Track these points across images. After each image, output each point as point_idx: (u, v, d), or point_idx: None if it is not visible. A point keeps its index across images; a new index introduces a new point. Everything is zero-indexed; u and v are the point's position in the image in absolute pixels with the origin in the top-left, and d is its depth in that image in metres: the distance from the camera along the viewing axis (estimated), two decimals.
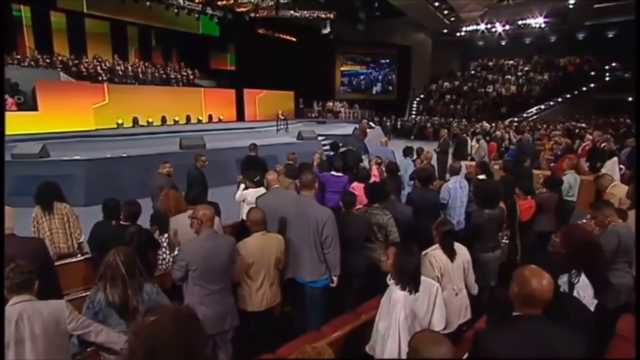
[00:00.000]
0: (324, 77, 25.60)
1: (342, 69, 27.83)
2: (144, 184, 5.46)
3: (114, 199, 3.41)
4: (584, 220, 3.26)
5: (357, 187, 4.48)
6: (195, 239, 2.67)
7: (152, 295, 2.18)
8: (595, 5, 19.18)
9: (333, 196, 4.89)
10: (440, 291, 2.36)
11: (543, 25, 22.70)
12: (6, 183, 4.49)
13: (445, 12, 21.16)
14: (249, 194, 4.25)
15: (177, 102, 17.08)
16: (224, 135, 13.25)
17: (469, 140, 10.97)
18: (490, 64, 26.73)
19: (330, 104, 23.07)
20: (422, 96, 26.65)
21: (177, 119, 16.98)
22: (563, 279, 2.21)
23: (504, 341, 1.53)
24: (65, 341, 1.96)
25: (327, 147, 9.43)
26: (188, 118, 17.50)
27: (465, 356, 1.98)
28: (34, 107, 12.11)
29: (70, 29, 16.80)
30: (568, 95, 21.61)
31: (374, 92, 28.00)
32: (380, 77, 28.11)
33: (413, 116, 24.39)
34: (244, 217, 4.05)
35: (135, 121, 15.45)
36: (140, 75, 17.10)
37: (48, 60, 14.49)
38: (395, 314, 2.09)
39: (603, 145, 8.34)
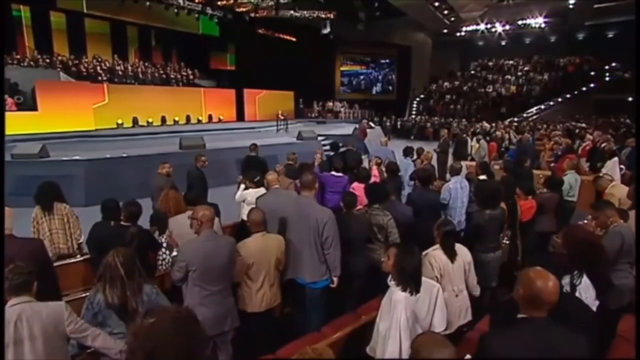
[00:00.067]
0: (324, 77, 25.60)
1: (342, 69, 27.82)
2: (144, 184, 5.45)
3: (113, 200, 3.39)
4: (585, 221, 3.25)
5: (358, 188, 4.47)
6: (195, 239, 2.66)
7: (151, 296, 2.17)
8: (595, 5, 19.18)
9: (333, 196, 4.88)
10: (441, 292, 2.35)
11: (543, 25, 22.70)
12: (6, 183, 4.48)
13: (445, 12, 21.15)
14: (249, 194, 4.25)
15: (177, 102, 17.07)
16: (224, 135, 13.25)
17: (469, 140, 10.96)
18: (490, 64, 26.73)
19: (330, 104, 23.06)
20: (422, 96, 26.65)
21: (177, 119, 16.97)
22: (565, 280, 2.20)
23: (509, 344, 1.52)
24: (64, 342, 1.95)
25: (327, 147, 9.42)
26: (188, 118, 17.49)
27: (467, 357, 1.97)
28: (33, 107, 12.09)
29: (70, 29, 16.79)
30: (568, 95, 21.61)
31: (374, 92, 27.99)
32: (380, 77, 28.11)
33: (413, 116, 24.38)
34: (244, 218, 4.04)
35: (135, 121, 15.44)
36: (140, 75, 17.10)
37: (48, 60, 14.49)
38: (396, 315, 2.08)
39: (603, 145, 8.34)
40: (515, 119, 20.30)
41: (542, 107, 21.71)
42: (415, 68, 26.56)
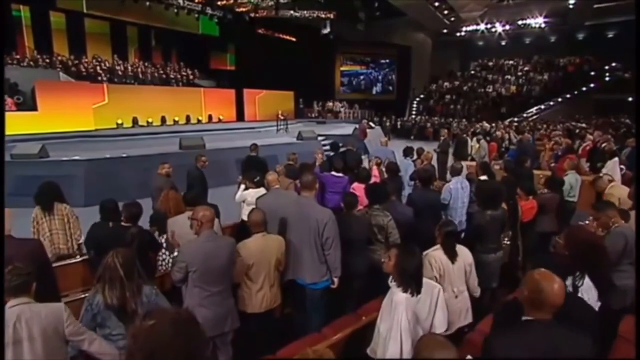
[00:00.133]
0: (324, 77, 25.59)
1: (342, 69, 27.82)
2: (144, 184, 5.45)
3: (112, 200, 3.38)
4: (587, 222, 3.24)
5: (358, 188, 4.46)
6: (195, 240, 2.65)
7: (151, 297, 2.16)
8: (595, 5, 19.17)
9: (333, 197, 4.87)
10: (442, 293, 2.35)
11: (543, 25, 22.68)
12: (5, 183, 4.46)
13: (445, 12, 21.14)
14: (249, 195, 4.24)
15: (176, 102, 17.06)
16: (224, 136, 13.24)
17: (469, 140, 10.95)
18: (490, 64, 26.72)
19: (330, 104, 23.05)
20: (422, 96, 26.63)
21: (176, 119, 16.96)
22: (567, 282, 2.19)
23: (514, 346, 1.52)
24: (63, 344, 1.94)
25: (327, 147, 9.41)
26: (188, 118, 17.48)
27: (468, 357, 1.96)
28: (33, 107, 12.08)
29: (69, 29, 16.78)
30: (568, 95, 21.60)
31: (373, 92, 27.98)
32: (380, 77, 28.10)
33: (413, 116, 24.37)
34: (244, 218, 4.04)
35: (134, 121, 15.43)
36: (140, 75, 17.09)
37: (47, 60, 14.48)
38: (397, 316, 2.07)
39: (604, 145, 8.33)
40: (515, 119, 20.30)
41: (542, 107, 21.70)
42: (415, 68, 26.54)
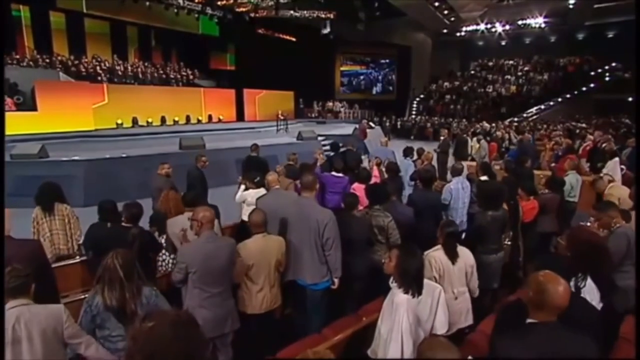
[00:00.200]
0: (324, 77, 25.59)
1: (342, 69, 27.81)
2: (144, 185, 5.44)
3: (110, 201, 3.37)
4: (588, 224, 3.23)
5: (358, 188, 4.45)
6: (195, 241, 2.65)
7: (150, 298, 2.14)
8: (595, 5, 19.16)
9: (333, 197, 4.86)
10: (443, 294, 2.34)
11: (543, 25, 22.68)
12: (5, 183, 4.46)
13: (445, 12, 21.14)
14: (249, 195, 4.23)
15: (176, 102, 17.05)
16: (224, 136, 13.23)
17: (469, 140, 10.94)
18: (490, 64, 26.71)
19: (330, 104, 23.04)
20: (422, 96, 26.63)
21: (176, 119, 16.95)
22: (570, 283, 2.18)
23: (520, 349, 1.51)
24: (62, 346, 1.93)
25: (327, 147, 9.40)
26: (188, 118, 17.47)
27: (468, 358, 1.95)
28: (33, 107, 12.06)
29: (69, 29, 16.77)
30: (568, 95, 21.60)
31: (373, 92, 27.98)
32: (380, 77, 28.10)
33: (413, 116, 24.37)
34: (244, 218, 4.03)
35: (134, 121, 15.42)
36: (140, 75, 17.08)
37: (47, 60, 14.47)
38: (398, 317, 2.06)
39: (604, 145, 8.32)
40: (515, 119, 20.29)
41: (542, 107, 21.70)
42: (415, 68, 26.55)
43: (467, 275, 2.75)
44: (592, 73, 21.67)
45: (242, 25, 19.54)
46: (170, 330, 1.20)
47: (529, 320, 1.59)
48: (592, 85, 21.23)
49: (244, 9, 18.98)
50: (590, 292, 2.16)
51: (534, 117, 20.96)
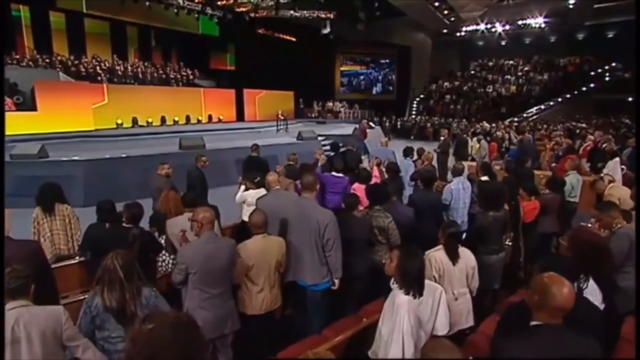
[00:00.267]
0: (324, 77, 25.57)
1: (342, 69, 27.80)
2: (144, 185, 5.43)
3: (109, 201, 3.36)
4: (589, 224, 3.22)
5: (358, 189, 4.44)
6: (196, 241, 2.64)
7: (150, 299, 2.13)
8: (595, 5, 19.16)
9: (333, 197, 4.85)
10: (444, 294, 2.33)
11: (543, 25, 22.67)
12: (5, 184, 4.45)
13: (445, 12, 21.13)
14: (250, 195, 4.22)
15: (176, 102, 17.04)
16: (224, 136, 13.22)
17: (469, 140, 10.93)
18: (490, 64, 26.70)
19: (330, 104, 23.03)
20: (422, 96, 26.62)
21: (176, 119, 16.94)
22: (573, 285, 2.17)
23: (525, 351, 1.50)
24: (61, 347, 1.92)
25: (327, 148, 9.40)
26: (188, 118, 17.46)
27: (469, 359, 1.95)
28: (32, 107, 12.05)
29: (69, 29, 16.76)
30: (568, 95, 21.59)
31: (373, 92, 27.96)
32: (380, 77, 28.08)
33: (413, 116, 24.36)
34: (245, 219, 4.02)
35: (134, 121, 15.40)
36: (140, 75, 17.06)
37: (47, 60, 14.45)
38: (399, 318, 2.05)
39: (604, 145, 8.31)
40: (515, 119, 20.28)
41: (542, 107, 21.69)
42: (415, 68, 26.53)
43: (468, 277, 2.74)
44: (592, 73, 21.66)
45: (242, 25, 19.53)
46: (170, 332, 1.20)
47: (532, 322, 1.58)
48: (592, 85, 21.22)
49: (244, 9, 18.98)
50: (593, 293, 2.15)
51: (534, 117, 20.95)
